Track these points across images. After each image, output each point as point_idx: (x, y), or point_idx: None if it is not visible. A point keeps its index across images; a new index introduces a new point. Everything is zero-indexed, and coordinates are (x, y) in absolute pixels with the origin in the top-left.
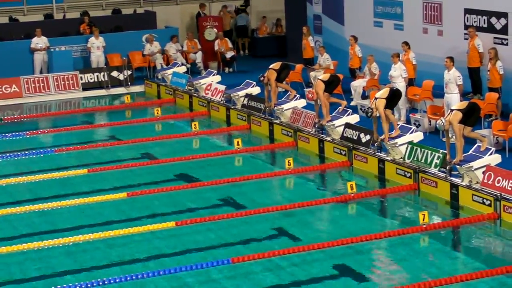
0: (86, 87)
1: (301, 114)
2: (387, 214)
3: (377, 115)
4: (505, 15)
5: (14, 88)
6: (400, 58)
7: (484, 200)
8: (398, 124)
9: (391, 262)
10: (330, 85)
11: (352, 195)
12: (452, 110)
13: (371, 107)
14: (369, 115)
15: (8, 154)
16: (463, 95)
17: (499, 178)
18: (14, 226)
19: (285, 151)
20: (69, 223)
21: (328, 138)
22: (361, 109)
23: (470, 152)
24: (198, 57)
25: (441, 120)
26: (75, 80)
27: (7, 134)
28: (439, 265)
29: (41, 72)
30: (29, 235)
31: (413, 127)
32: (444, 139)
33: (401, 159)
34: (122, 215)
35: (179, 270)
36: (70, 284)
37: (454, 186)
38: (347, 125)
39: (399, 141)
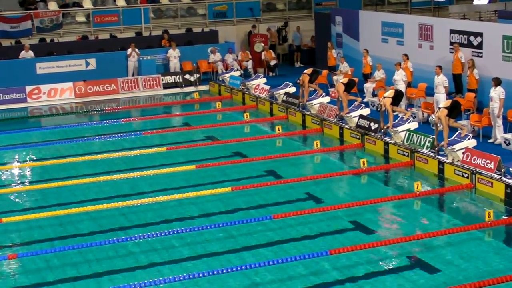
0: (166, 86)
1: (326, 108)
2: (390, 183)
3: (384, 109)
4: (480, 34)
5: (113, 86)
6: (401, 66)
7: (463, 174)
8: (403, 117)
9: (392, 219)
10: (348, 86)
11: (364, 169)
12: (439, 108)
13: (380, 103)
14: (378, 109)
15: (108, 136)
16: (448, 94)
17: (475, 157)
18: (103, 189)
19: (314, 135)
20: (154, 187)
21: (346, 126)
22: (371, 104)
23: (453, 137)
24: (249, 64)
25: (432, 117)
26: (157, 81)
27: (107, 121)
28: (428, 222)
29: (133, 75)
30: (129, 195)
31: (410, 118)
32: (433, 128)
33: (401, 142)
34: (191, 182)
35: (230, 224)
36: (161, 231)
37: (441, 163)
38: (361, 116)
39: (400, 128)
